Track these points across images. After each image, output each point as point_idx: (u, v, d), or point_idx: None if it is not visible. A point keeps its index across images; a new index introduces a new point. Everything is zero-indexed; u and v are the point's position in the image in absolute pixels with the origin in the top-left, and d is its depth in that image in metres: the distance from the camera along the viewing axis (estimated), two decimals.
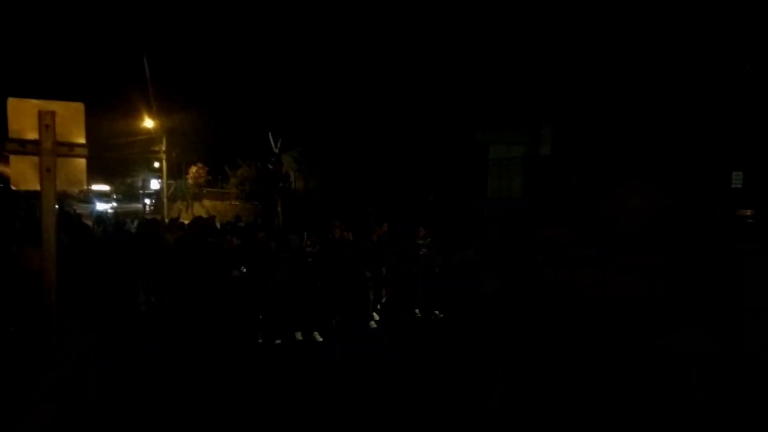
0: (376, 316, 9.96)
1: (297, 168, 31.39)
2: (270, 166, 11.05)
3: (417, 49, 24.41)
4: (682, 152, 17.07)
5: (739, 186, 16.76)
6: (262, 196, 25.17)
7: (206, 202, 35.57)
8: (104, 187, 55.30)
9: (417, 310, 10.42)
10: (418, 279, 10.35)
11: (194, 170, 38.44)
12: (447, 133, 23.51)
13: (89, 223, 18.83)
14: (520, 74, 20.70)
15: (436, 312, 10.50)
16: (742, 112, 16.61)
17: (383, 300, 10.45)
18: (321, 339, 8.74)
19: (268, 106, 33.58)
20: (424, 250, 10.41)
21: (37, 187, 4.89)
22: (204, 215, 24.36)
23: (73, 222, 13.20)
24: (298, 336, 8.66)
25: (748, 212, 16.10)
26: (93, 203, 36.20)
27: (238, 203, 31.78)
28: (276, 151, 11.38)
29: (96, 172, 47.32)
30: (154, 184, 46.00)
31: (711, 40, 16.72)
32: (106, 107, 33.88)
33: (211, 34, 45.30)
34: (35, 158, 4.92)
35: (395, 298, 10.48)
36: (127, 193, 61.08)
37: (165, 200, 33.76)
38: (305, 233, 9.58)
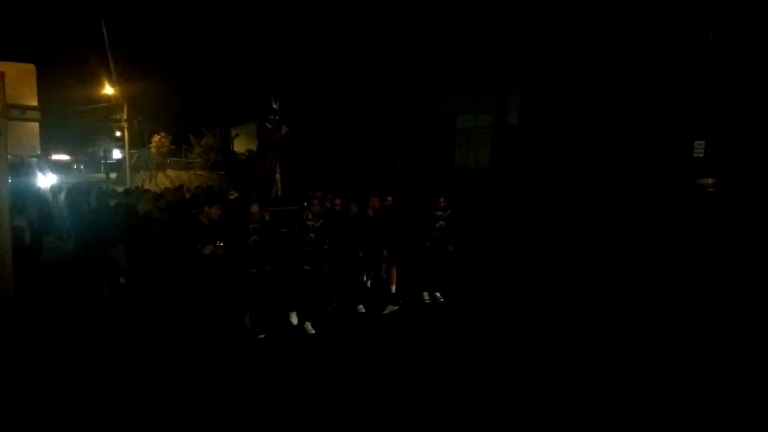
0: (362, 309, 8.39)
1: None
2: (268, 125, 10.10)
3: (384, 15, 24.07)
4: (644, 122, 17.31)
5: (701, 155, 17.05)
6: (255, 162, 22.28)
7: (170, 172, 34.74)
8: (64, 157, 53.84)
9: (426, 294, 8.99)
10: (431, 258, 8.85)
11: (157, 139, 37.51)
12: (414, 102, 23.34)
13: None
14: (490, 41, 20.61)
15: (437, 294, 9.08)
16: (704, 79, 16.85)
17: (393, 286, 8.85)
18: (313, 331, 7.37)
19: (233, 74, 33.00)
20: (441, 222, 8.85)
21: None
22: (169, 185, 23.94)
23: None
24: (296, 321, 7.53)
25: (710, 181, 16.41)
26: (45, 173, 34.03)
27: (203, 173, 31.21)
28: (275, 107, 10.35)
29: (56, 141, 46.10)
30: (116, 154, 44.87)
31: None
32: (65, 73, 32.82)
33: None
34: None
35: (403, 280, 8.96)
36: (89, 163, 59.74)
37: (128, 170, 32.98)
38: (305, 204, 8.20)
